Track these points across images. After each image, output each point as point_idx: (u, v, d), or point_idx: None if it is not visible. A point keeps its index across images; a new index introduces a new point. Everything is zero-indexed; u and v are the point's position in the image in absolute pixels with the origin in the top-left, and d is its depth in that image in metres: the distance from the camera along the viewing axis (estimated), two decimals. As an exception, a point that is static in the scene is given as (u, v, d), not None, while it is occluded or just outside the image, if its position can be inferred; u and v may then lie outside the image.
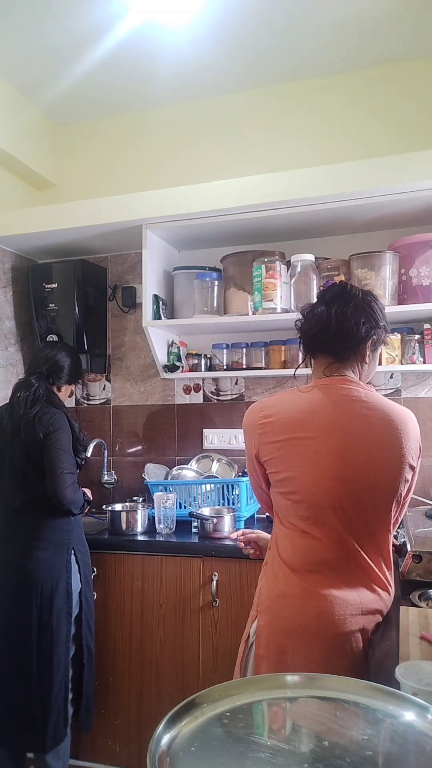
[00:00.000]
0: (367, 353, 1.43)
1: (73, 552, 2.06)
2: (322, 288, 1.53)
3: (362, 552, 1.33)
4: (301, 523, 1.35)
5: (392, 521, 1.38)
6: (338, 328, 1.38)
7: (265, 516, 2.56)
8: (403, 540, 1.72)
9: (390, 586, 1.40)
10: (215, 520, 2.27)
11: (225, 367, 2.66)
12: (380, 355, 2.33)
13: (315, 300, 1.50)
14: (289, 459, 1.35)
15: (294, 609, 1.32)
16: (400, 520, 1.43)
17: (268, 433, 1.38)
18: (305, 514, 1.34)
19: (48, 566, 1.98)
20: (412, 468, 1.38)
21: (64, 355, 2.23)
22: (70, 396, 2.43)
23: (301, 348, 1.49)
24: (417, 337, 2.34)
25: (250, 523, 2.47)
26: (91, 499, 2.23)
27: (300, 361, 1.54)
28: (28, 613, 1.95)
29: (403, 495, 1.38)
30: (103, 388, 2.97)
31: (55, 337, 2.68)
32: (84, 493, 2.09)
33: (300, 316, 1.47)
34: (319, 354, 1.44)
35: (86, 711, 2.09)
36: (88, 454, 2.73)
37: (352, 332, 1.38)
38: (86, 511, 2.17)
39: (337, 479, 1.31)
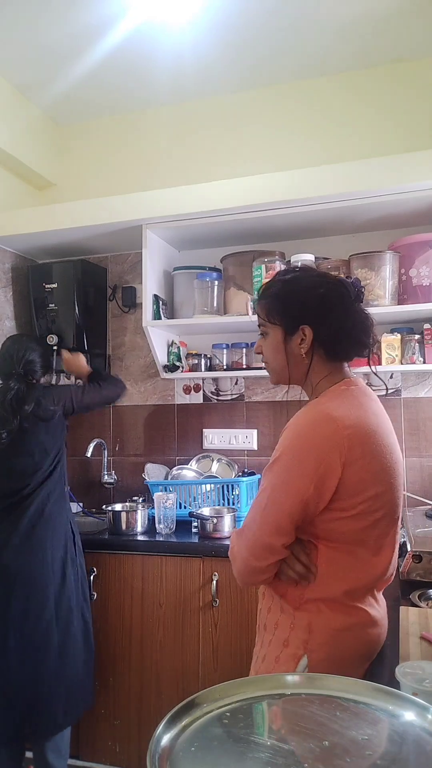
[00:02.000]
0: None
1: (70, 523, 2.11)
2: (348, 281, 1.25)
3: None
4: (373, 542, 1.17)
5: None
6: (366, 325, 1.26)
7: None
8: (403, 540, 1.72)
9: None
10: (215, 520, 2.27)
11: (225, 367, 2.66)
12: (380, 355, 2.34)
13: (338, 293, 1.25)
14: (379, 472, 1.15)
15: (360, 640, 1.18)
16: None
17: (354, 447, 1.12)
18: (384, 531, 1.17)
19: (54, 540, 2.02)
20: None
21: (32, 349, 2.16)
22: None
23: (323, 349, 1.25)
24: (417, 337, 2.34)
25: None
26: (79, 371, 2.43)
27: (284, 350, 1.27)
28: (46, 588, 1.98)
29: None
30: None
31: (55, 338, 2.67)
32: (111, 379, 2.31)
33: (342, 319, 1.23)
34: (344, 359, 1.28)
35: (87, 681, 2.11)
36: (89, 454, 2.74)
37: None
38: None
39: (401, 485, 1.23)
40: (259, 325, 1.32)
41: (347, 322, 1.22)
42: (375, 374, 1.30)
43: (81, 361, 2.45)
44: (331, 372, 1.25)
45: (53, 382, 2.79)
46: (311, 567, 1.17)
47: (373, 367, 1.28)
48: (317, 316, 1.22)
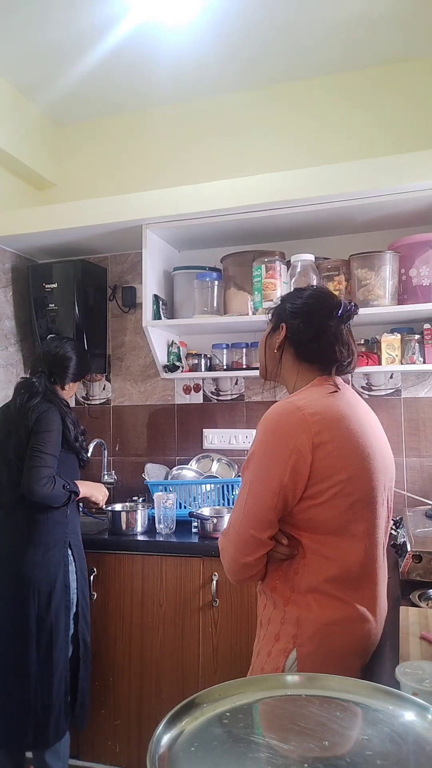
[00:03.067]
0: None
1: (69, 546, 2.05)
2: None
3: (384, 553, 1.30)
4: (350, 528, 1.21)
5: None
6: (347, 348, 1.35)
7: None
8: (403, 540, 1.72)
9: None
10: (215, 520, 2.27)
11: (225, 367, 2.66)
12: (380, 355, 2.34)
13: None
14: (349, 455, 1.20)
15: (348, 636, 1.20)
16: None
17: (322, 431, 1.18)
18: (359, 516, 1.21)
19: (46, 562, 1.98)
20: None
21: (70, 352, 2.18)
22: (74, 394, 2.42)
23: (293, 348, 1.37)
24: (417, 337, 2.34)
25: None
26: (96, 500, 2.22)
27: (267, 348, 1.42)
28: (26, 610, 1.94)
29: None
30: (103, 388, 2.97)
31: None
32: (66, 485, 2.00)
33: (309, 326, 1.34)
34: (316, 365, 1.37)
35: (81, 706, 2.08)
36: (89, 454, 2.74)
37: (348, 350, 1.37)
38: (73, 501, 2.06)
39: (379, 472, 1.25)
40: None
41: (320, 330, 1.31)
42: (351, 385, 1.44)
43: (100, 494, 2.29)
44: (305, 372, 1.34)
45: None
46: (293, 550, 1.23)
47: (340, 379, 1.36)
48: (295, 316, 1.34)
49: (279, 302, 1.42)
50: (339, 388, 1.30)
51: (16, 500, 2.01)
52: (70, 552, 2.04)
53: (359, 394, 1.71)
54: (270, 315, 1.43)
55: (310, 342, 1.33)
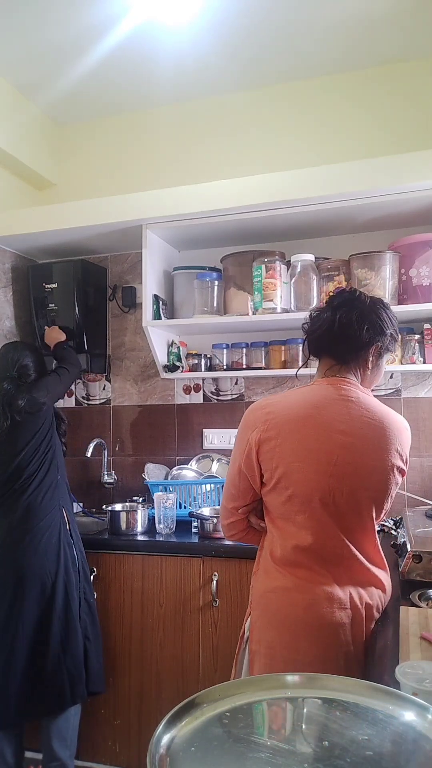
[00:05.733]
0: (370, 359, 1.46)
1: (63, 509, 2.15)
2: (331, 294, 1.55)
3: (352, 547, 1.37)
4: (293, 517, 1.38)
5: (379, 519, 1.42)
6: (341, 332, 1.42)
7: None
8: (403, 540, 1.72)
9: (384, 582, 1.41)
10: (215, 520, 2.27)
11: (225, 367, 2.66)
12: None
13: (320, 302, 1.57)
14: (288, 454, 1.37)
15: (282, 602, 1.36)
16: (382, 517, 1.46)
17: (270, 429, 1.39)
18: (298, 509, 1.37)
19: (47, 525, 2.06)
20: (402, 472, 1.42)
21: (27, 355, 2.28)
22: None
23: (306, 349, 1.53)
24: (417, 337, 2.34)
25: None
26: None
27: (301, 362, 1.59)
28: (43, 576, 2.02)
29: (391, 496, 1.42)
30: (103, 388, 2.97)
31: None
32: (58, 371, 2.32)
33: (307, 319, 1.51)
34: (323, 356, 1.49)
35: (97, 672, 2.13)
36: (89, 454, 2.74)
37: (354, 337, 1.42)
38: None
39: (332, 476, 1.34)
40: None
41: (316, 322, 1.47)
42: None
43: (55, 334, 2.63)
44: (318, 367, 1.51)
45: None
46: (260, 522, 1.50)
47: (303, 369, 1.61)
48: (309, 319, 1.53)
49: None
50: (340, 388, 1.41)
51: (12, 489, 2.08)
52: (64, 513, 2.15)
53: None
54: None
55: (312, 336, 1.49)
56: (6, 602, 1.99)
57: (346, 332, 1.42)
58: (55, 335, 2.62)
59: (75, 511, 2.59)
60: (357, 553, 1.37)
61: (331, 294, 1.51)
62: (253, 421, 1.43)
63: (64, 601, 2.05)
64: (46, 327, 2.70)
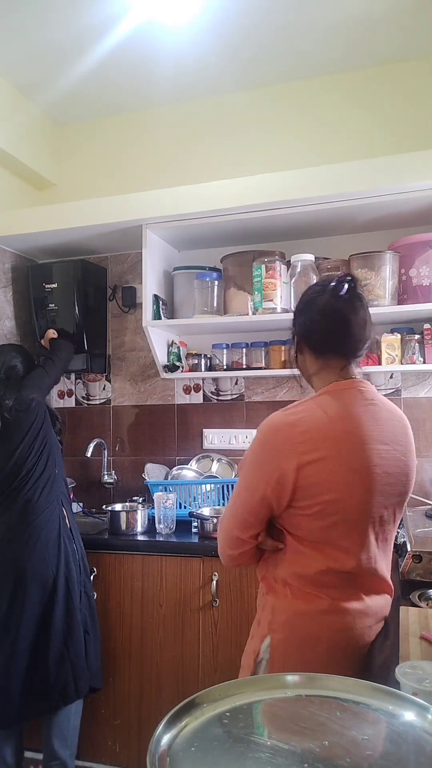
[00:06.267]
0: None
1: (62, 504, 2.15)
2: (332, 283, 1.33)
3: (380, 559, 1.29)
4: (335, 542, 1.23)
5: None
6: (359, 326, 1.29)
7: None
8: (403, 540, 1.72)
9: (392, 589, 1.38)
10: (215, 520, 2.27)
11: (225, 367, 2.66)
12: (380, 355, 2.34)
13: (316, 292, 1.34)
14: (336, 479, 1.20)
15: (314, 625, 1.24)
16: None
17: (310, 452, 1.19)
18: (344, 534, 1.23)
19: (47, 521, 2.06)
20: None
21: (14, 356, 2.28)
22: None
23: (306, 347, 1.34)
24: (417, 337, 2.34)
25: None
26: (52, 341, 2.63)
27: (294, 363, 1.40)
28: (45, 568, 2.02)
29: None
30: (103, 388, 2.97)
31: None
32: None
33: (309, 314, 1.32)
34: (332, 354, 1.32)
35: (95, 660, 2.13)
36: (89, 454, 2.74)
37: (368, 330, 1.32)
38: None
39: (379, 493, 1.24)
40: None
41: (318, 309, 1.30)
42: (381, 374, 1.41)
43: (50, 335, 2.66)
44: (326, 370, 1.32)
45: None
46: (278, 544, 1.30)
47: (358, 370, 1.36)
48: (300, 314, 1.36)
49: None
50: (361, 390, 1.27)
51: (10, 488, 2.08)
52: (63, 507, 2.15)
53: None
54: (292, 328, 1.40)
55: (311, 327, 1.32)
56: (6, 600, 1.99)
57: (363, 326, 1.30)
58: (50, 336, 2.66)
59: (75, 511, 2.60)
60: (383, 564, 1.31)
61: (331, 283, 1.31)
62: (283, 442, 1.21)
63: (66, 595, 2.04)
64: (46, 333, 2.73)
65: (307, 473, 1.19)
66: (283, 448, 1.21)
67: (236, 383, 2.77)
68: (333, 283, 1.31)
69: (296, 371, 1.41)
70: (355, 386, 1.28)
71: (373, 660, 1.26)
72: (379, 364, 2.33)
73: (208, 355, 2.69)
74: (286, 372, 2.46)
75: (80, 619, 2.08)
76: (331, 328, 1.30)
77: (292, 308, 2.33)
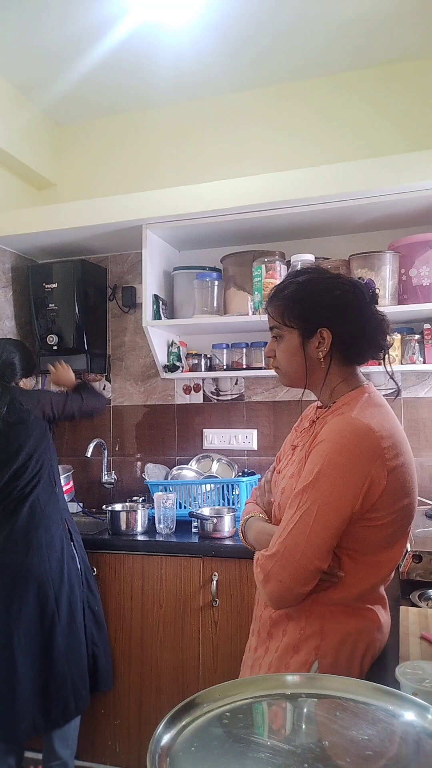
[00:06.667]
0: None
1: (66, 522, 2.13)
2: (361, 280, 1.26)
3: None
4: (391, 548, 1.17)
5: None
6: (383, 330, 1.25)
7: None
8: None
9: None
10: (215, 520, 2.27)
11: (225, 367, 2.66)
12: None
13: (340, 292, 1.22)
14: (410, 481, 1.15)
15: (365, 644, 1.17)
16: None
17: (395, 457, 1.12)
18: (401, 538, 1.18)
19: (51, 540, 2.04)
20: None
21: (11, 351, 2.18)
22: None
23: (339, 353, 1.23)
24: (417, 337, 2.34)
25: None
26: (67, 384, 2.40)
27: (318, 363, 1.24)
28: (45, 588, 2.00)
29: None
30: (103, 388, 2.97)
31: (54, 338, 2.68)
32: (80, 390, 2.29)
33: (356, 322, 1.21)
34: (361, 362, 1.28)
35: (105, 671, 2.16)
36: (89, 454, 2.74)
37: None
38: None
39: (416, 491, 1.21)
40: (271, 328, 1.28)
41: (364, 324, 1.20)
42: (391, 377, 1.31)
43: (69, 373, 2.43)
44: (347, 376, 1.24)
45: (38, 386, 2.90)
46: (336, 572, 1.14)
47: (389, 367, 1.29)
48: (335, 318, 1.20)
49: (286, 300, 1.23)
50: (373, 392, 1.22)
51: (9, 498, 2.05)
52: (67, 527, 2.13)
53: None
54: (284, 319, 1.23)
55: (361, 340, 1.22)
56: (2, 618, 1.97)
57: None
58: (67, 376, 2.41)
59: (75, 511, 2.60)
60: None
61: (368, 289, 1.24)
62: (371, 449, 1.09)
63: (69, 617, 2.03)
64: (50, 366, 2.47)
65: (393, 479, 1.10)
66: (372, 455, 1.09)
67: (236, 383, 2.77)
68: (370, 290, 1.23)
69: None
70: (372, 391, 1.24)
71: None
72: (380, 364, 2.33)
73: (208, 355, 2.69)
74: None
75: (84, 636, 2.08)
76: (375, 341, 1.24)
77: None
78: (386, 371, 1.28)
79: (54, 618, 2.00)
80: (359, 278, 1.25)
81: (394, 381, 1.32)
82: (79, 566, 2.12)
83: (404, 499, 1.13)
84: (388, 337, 1.26)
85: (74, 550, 2.12)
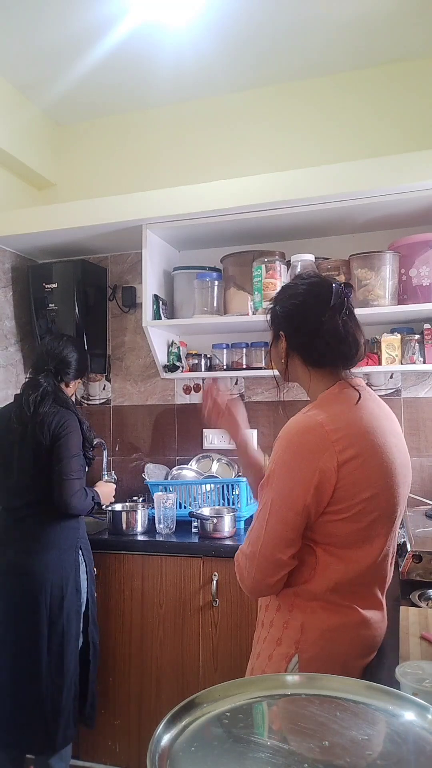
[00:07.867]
0: None
1: (80, 550, 2.06)
2: (340, 285, 1.26)
3: (392, 553, 1.28)
4: (369, 542, 1.19)
5: None
6: (361, 337, 1.28)
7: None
8: (403, 540, 1.72)
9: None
10: (215, 520, 2.27)
11: (225, 367, 2.66)
12: (380, 355, 2.34)
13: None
14: (373, 473, 1.16)
15: (348, 640, 1.19)
16: None
17: (348, 448, 1.13)
18: (379, 533, 1.19)
19: (57, 566, 1.97)
20: None
21: (72, 350, 2.17)
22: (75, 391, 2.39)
23: (300, 357, 1.29)
24: (417, 337, 2.34)
25: (249, 523, 2.47)
26: (104, 502, 2.24)
27: (285, 367, 1.32)
28: (38, 614, 1.93)
29: None
30: (103, 388, 2.97)
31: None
32: (93, 496, 2.07)
33: (316, 334, 1.24)
34: (333, 366, 1.29)
35: (91, 707, 2.09)
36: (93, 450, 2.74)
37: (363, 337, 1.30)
38: (93, 511, 2.12)
39: (398, 485, 1.21)
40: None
41: (320, 329, 1.22)
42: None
43: (111, 494, 2.34)
44: (321, 377, 1.27)
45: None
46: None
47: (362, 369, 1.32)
48: (289, 323, 1.28)
49: (271, 305, 1.33)
50: (360, 394, 1.22)
51: (27, 504, 2.01)
52: (81, 555, 2.05)
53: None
54: (268, 320, 1.34)
55: (318, 346, 1.24)
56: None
57: (362, 336, 1.27)
58: (109, 492, 2.32)
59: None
60: (392, 565, 1.29)
61: (332, 298, 1.23)
62: (318, 442, 1.13)
63: (59, 652, 1.95)
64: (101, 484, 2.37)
65: (346, 472, 1.13)
66: (319, 448, 1.13)
67: (236, 383, 2.77)
68: (334, 299, 1.22)
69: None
70: (358, 383, 1.26)
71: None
72: (379, 364, 2.33)
73: (208, 355, 2.69)
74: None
75: (77, 670, 2.01)
76: (338, 349, 1.24)
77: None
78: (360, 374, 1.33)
79: (42, 645, 1.93)
80: (341, 283, 1.27)
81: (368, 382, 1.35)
82: (84, 598, 2.04)
83: (365, 492, 1.15)
84: (351, 349, 1.25)
85: (83, 581, 2.05)
